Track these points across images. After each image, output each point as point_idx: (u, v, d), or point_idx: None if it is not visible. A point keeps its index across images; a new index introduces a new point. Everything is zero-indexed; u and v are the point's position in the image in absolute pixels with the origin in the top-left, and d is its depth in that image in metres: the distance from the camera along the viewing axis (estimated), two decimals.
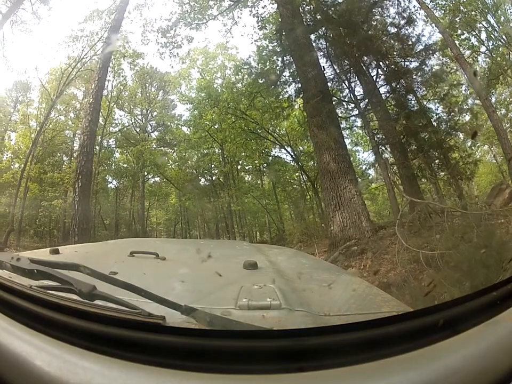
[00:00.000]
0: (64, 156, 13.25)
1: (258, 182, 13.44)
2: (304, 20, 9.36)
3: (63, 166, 12.77)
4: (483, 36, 9.52)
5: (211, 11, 10.68)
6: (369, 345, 0.64)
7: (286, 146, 12.00)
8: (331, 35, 8.94)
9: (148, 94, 13.69)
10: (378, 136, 8.70)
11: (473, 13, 9.37)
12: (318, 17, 9.14)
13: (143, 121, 13.51)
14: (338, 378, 0.61)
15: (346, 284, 1.47)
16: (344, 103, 9.09)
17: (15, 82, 12.39)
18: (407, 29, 8.73)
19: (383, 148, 8.74)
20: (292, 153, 12.04)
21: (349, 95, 8.95)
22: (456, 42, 9.27)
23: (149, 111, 13.57)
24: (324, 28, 8.97)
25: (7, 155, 12.64)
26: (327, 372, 0.61)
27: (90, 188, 8.39)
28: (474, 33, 9.46)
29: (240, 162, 13.14)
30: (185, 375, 0.61)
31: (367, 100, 8.74)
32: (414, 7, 8.87)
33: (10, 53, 10.50)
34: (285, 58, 9.49)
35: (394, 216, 6.65)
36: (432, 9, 9.12)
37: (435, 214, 5.46)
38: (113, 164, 13.40)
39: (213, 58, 12.70)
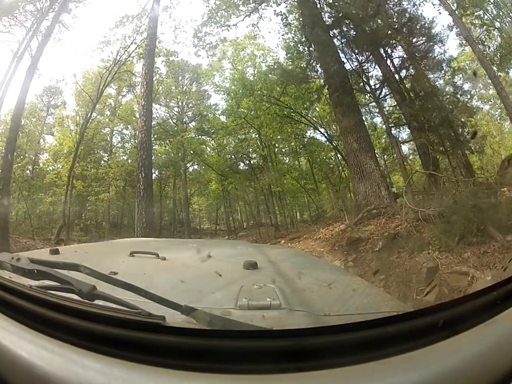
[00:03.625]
0: (103, 152, 14.05)
1: (296, 163, 14.00)
2: (323, 17, 10.12)
3: (102, 162, 13.63)
4: (494, 12, 9.68)
5: (239, 11, 11.37)
6: (369, 345, 0.64)
7: (319, 128, 12.50)
8: (349, 31, 9.77)
9: (182, 87, 14.30)
10: (392, 118, 9.70)
11: None
12: (336, 14, 9.91)
13: (180, 113, 14.10)
14: (338, 378, 0.61)
15: (346, 284, 1.47)
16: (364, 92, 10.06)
17: (45, 88, 13.07)
18: (416, 16, 9.33)
19: (400, 128, 9.90)
20: (326, 134, 12.54)
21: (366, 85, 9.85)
22: (468, 20, 9.59)
23: (184, 103, 14.15)
24: (341, 25, 9.73)
25: (46, 157, 13.54)
26: (327, 372, 0.61)
27: (152, 178, 9.33)
28: (484, 10, 9.64)
29: (277, 145, 13.76)
30: (185, 375, 0.61)
31: (385, 86, 9.59)
32: None
33: (40, 62, 10.67)
34: (311, 49, 10.40)
35: (406, 185, 8.05)
36: None
37: (442, 182, 6.60)
38: (154, 156, 13.98)
39: (243, 48, 13.27)
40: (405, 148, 10.45)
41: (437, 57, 9.07)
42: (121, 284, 0.83)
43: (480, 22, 9.77)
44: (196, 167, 14.53)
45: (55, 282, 0.84)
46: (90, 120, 12.39)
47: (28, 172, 12.67)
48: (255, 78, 12.69)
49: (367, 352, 0.63)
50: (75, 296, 0.78)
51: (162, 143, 13.64)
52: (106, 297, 0.78)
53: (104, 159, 13.84)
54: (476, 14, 9.71)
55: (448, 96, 9.29)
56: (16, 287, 0.80)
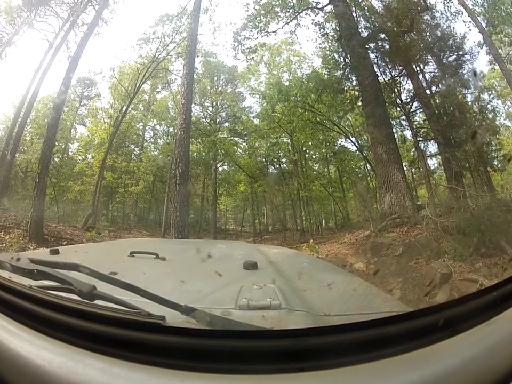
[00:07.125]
0: (134, 146, 14.31)
1: (325, 170, 14.09)
2: (359, 29, 10.52)
3: (132, 155, 13.88)
4: None
5: (278, 17, 11.62)
6: (369, 345, 0.64)
7: (351, 137, 12.53)
8: (383, 45, 10.24)
9: (217, 87, 14.41)
10: (421, 132, 10.20)
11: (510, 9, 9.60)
12: (372, 28, 10.34)
13: (214, 113, 14.18)
14: (338, 378, 0.61)
15: (346, 284, 1.47)
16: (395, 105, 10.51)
17: (79, 79, 13.33)
18: (448, 33, 9.69)
19: (428, 142, 10.32)
20: (357, 144, 12.56)
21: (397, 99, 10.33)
22: (498, 37, 9.73)
23: (218, 103, 14.24)
24: (377, 38, 10.15)
25: (76, 146, 13.90)
26: (327, 372, 0.61)
27: (188, 174, 9.41)
28: None
29: (308, 151, 13.85)
30: (185, 375, 0.61)
31: (416, 100, 10.03)
32: (456, 11, 9.75)
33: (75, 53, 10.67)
34: (346, 60, 10.76)
35: (429, 197, 8.57)
36: (472, 10, 9.56)
37: (462, 196, 6.89)
38: None
39: (279, 53, 13.47)
40: (434, 161, 10.96)
41: (466, 74, 9.47)
42: (121, 284, 0.83)
43: (509, 40, 9.88)
44: (225, 167, 14.75)
45: (55, 282, 0.84)
46: (127, 114, 12.70)
47: (57, 159, 12.84)
48: (290, 83, 12.85)
49: (367, 352, 0.63)
50: (75, 296, 0.78)
51: (194, 141, 13.67)
52: (106, 297, 0.77)
53: (135, 152, 14.13)
54: (505, 31, 9.82)
55: (474, 114, 9.58)
56: (16, 287, 0.80)
